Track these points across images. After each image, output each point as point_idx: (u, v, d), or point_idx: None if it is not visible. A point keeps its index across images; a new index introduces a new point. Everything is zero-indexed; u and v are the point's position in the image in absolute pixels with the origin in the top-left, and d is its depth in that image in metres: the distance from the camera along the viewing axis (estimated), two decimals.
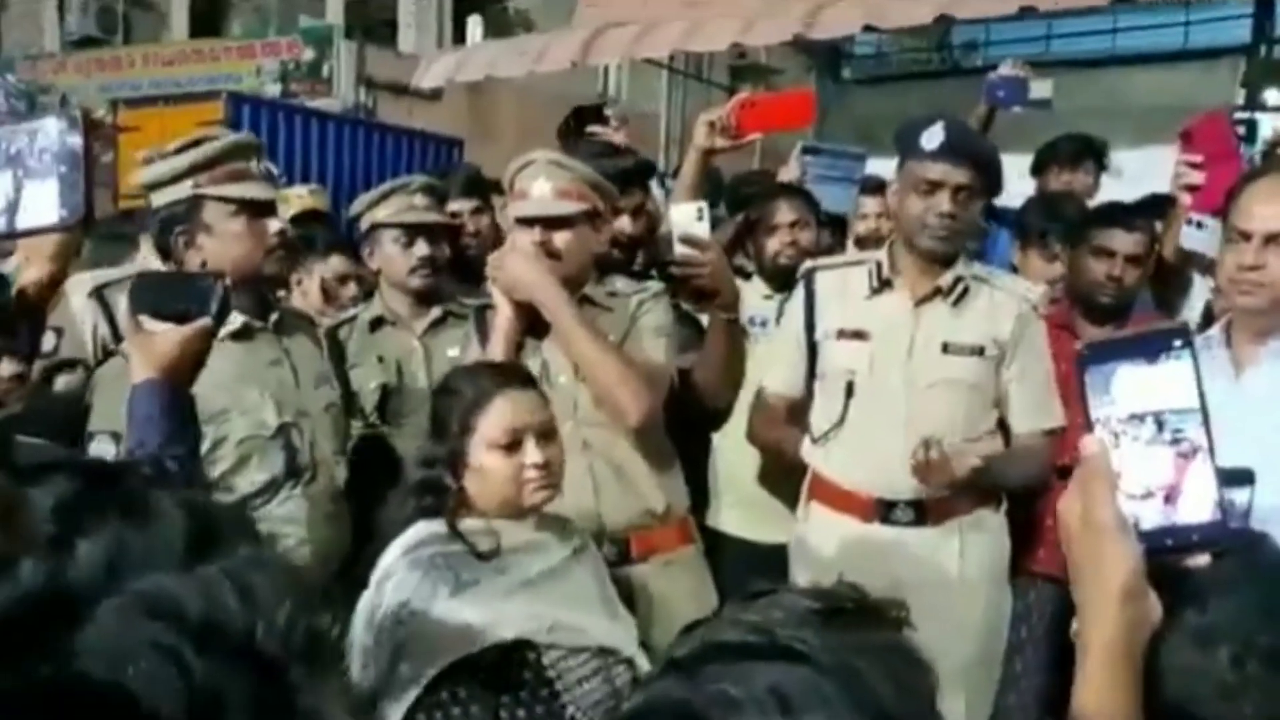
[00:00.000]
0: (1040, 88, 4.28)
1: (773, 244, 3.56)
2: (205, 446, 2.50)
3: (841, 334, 2.95)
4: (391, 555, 2.02)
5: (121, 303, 2.65)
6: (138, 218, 3.44)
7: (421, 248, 3.29)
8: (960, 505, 2.87)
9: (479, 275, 3.25)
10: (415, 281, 3.30)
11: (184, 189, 2.58)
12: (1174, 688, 1.04)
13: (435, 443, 2.18)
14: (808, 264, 3.12)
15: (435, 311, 3.33)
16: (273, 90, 10.57)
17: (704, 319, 3.04)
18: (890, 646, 0.88)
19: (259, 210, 2.62)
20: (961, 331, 2.88)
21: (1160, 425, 1.03)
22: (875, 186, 4.10)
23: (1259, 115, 3.34)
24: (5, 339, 2.31)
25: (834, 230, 3.86)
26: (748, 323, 3.28)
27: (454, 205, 3.66)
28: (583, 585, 2.16)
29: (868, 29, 6.20)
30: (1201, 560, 1.05)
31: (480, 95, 11.07)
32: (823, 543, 2.93)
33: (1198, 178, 2.99)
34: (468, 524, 2.11)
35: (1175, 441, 1.03)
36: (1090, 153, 4.66)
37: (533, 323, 2.71)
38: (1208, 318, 3.18)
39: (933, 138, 2.79)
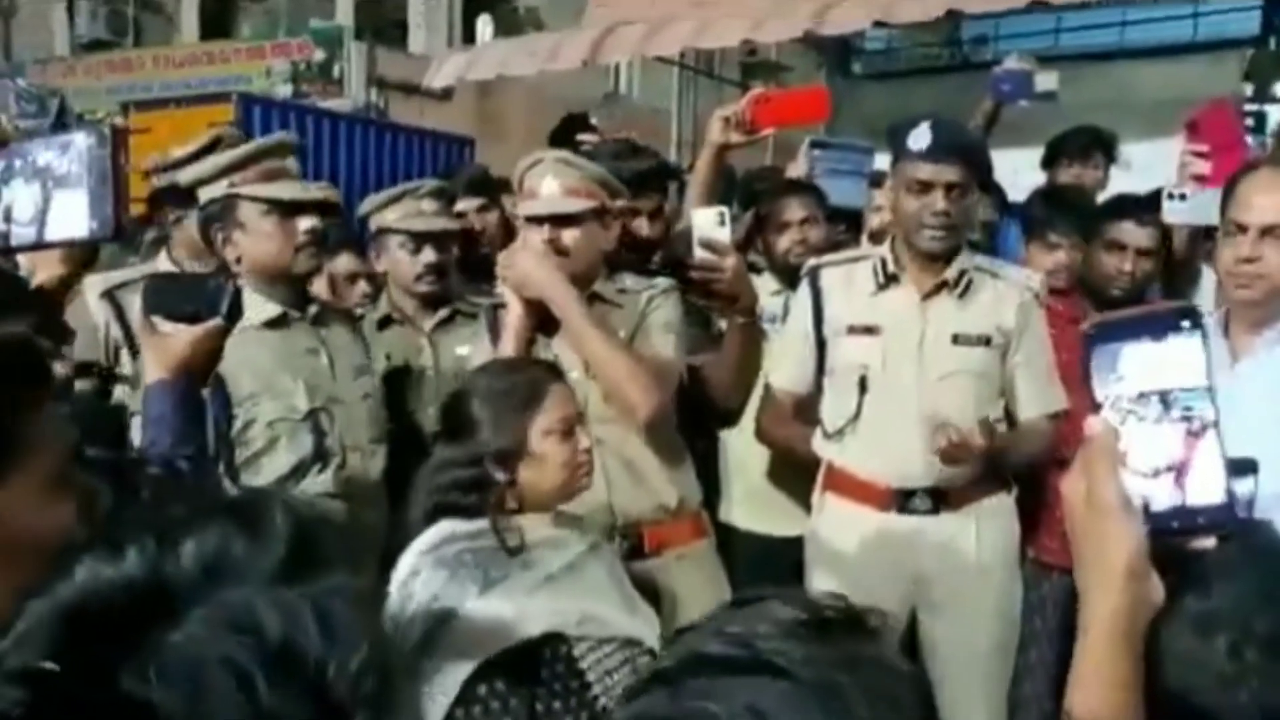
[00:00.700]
0: (1046, 80, 4.28)
1: (783, 241, 3.57)
2: (236, 428, 2.59)
3: (852, 330, 2.97)
4: (412, 555, 2.02)
5: (133, 304, 2.70)
6: (157, 221, 3.47)
7: (429, 254, 3.32)
8: (975, 492, 2.91)
9: (488, 274, 3.28)
10: (421, 287, 3.34)
11: (221, 187, 2.68)
12: (1173, 675, 1.04)
13: (471, 441, 2.16)
14: (811, 262, 3.14)
15: (443, 310, 3.36)
16: (284, 91, 10.59)
17: (722, 323, 3.07)
18: (874, 661, 0.86)
19: (291, 209, 2.69)
20: (969, 323, 2.91)
21: (1170, 403, 1.02)
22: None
23: (1268, 107, 3.34)
24: (54, 342, 2.34)
25: (848, 225, 3.86)
26: (767, 320, 3.30)
27: (460, 205, 3.70)
28: (601, 579, 2.18)
29: (877, 24, 6.18)
30: (1208, 543, 1.05)
31: (490, 95, 11.09)
32: (840, 534, 2.95)
33: (1204, 167, 3.00)
34: (498, 519, 2.11)
35: (1185, 419, 1.02)
36: (1099, 145, 4.65)
37: (543, 320, 2.75)
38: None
39: (920, 138, 2.83)
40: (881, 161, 4.29)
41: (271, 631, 0.66)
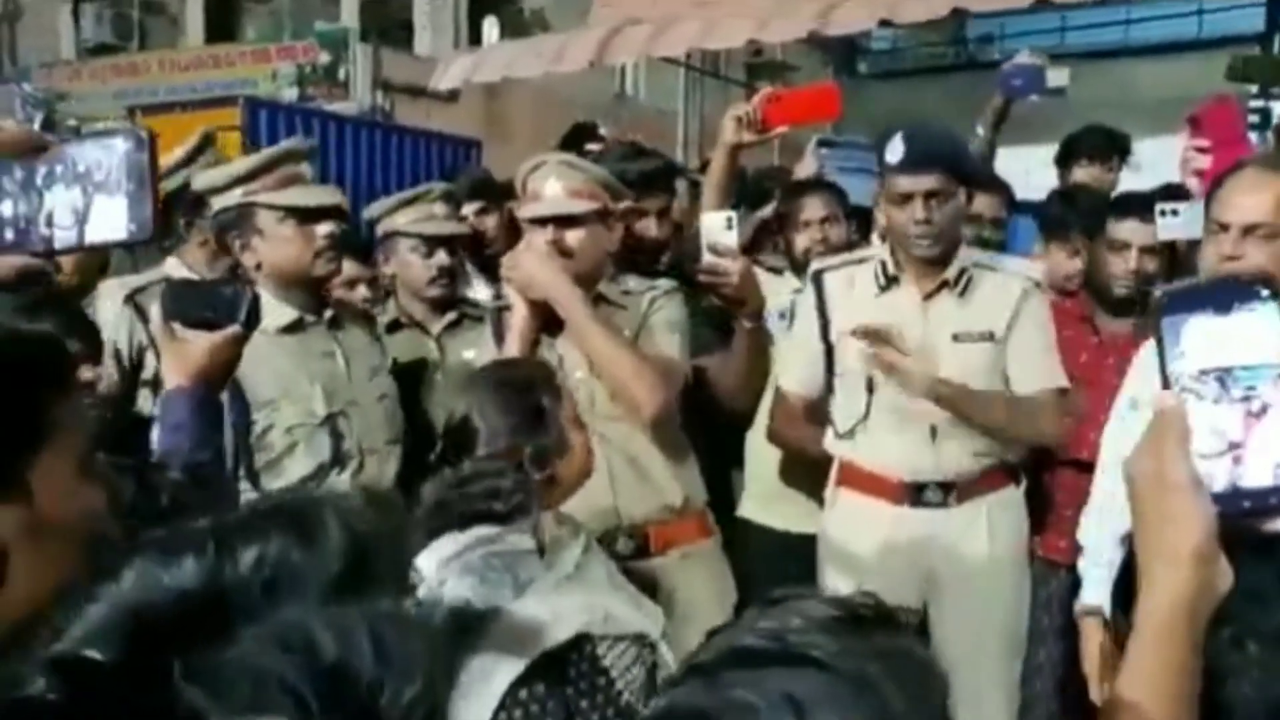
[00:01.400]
0: (1056, 76, 4.26)
1: (802, 240, 3.57)
2: (255, 433, 2.60)
3: (856, 333, 2.95)
4: (434, 566, 1.97)
5: (154, 308, 2.71)
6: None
7: (441, 258, 3.33)
8: (985, 484, 2.93)
9: (492, 275, 3.29)
10: (433, 291, 3.34)
11: (235, 195, 2.70)
12: None
13: (499, 447, 2.10)
14: (814, 265, 3.15)
15: (451, 314, 3.37)
16: (289, 94, 10.60)
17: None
18: (905, 653, 0.89)
19: (309, 215, 2.70)
20: (970, 320, 2.92)
21: (1230, 382, 0.99)
22: None
23: (1273, 104, 3.33)
24: (85, 345, 2.34)
25: (858, 223, 3.85)
26: (779, 317, 3.32)
27: (462, 209, 3.69)
28: (601, 577, 2.17)
29: (883, 24, 6.17)
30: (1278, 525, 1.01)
31: (496, 97, 11.10)
32: (853, 528, 2.96)
33: (1205, 162, 3.00)
34: (523, 523, 2.07)
35: (1245, 399, 0.98)
36: (1115, 147, 4.64)
37: (547, 321, 2.76)
38: None
39: (894, 150, 2.85)
40: None
41: (326, 652, 0.65)
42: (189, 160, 3.08)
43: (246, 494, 2.45)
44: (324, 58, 11.00)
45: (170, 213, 3.13)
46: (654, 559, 2.71)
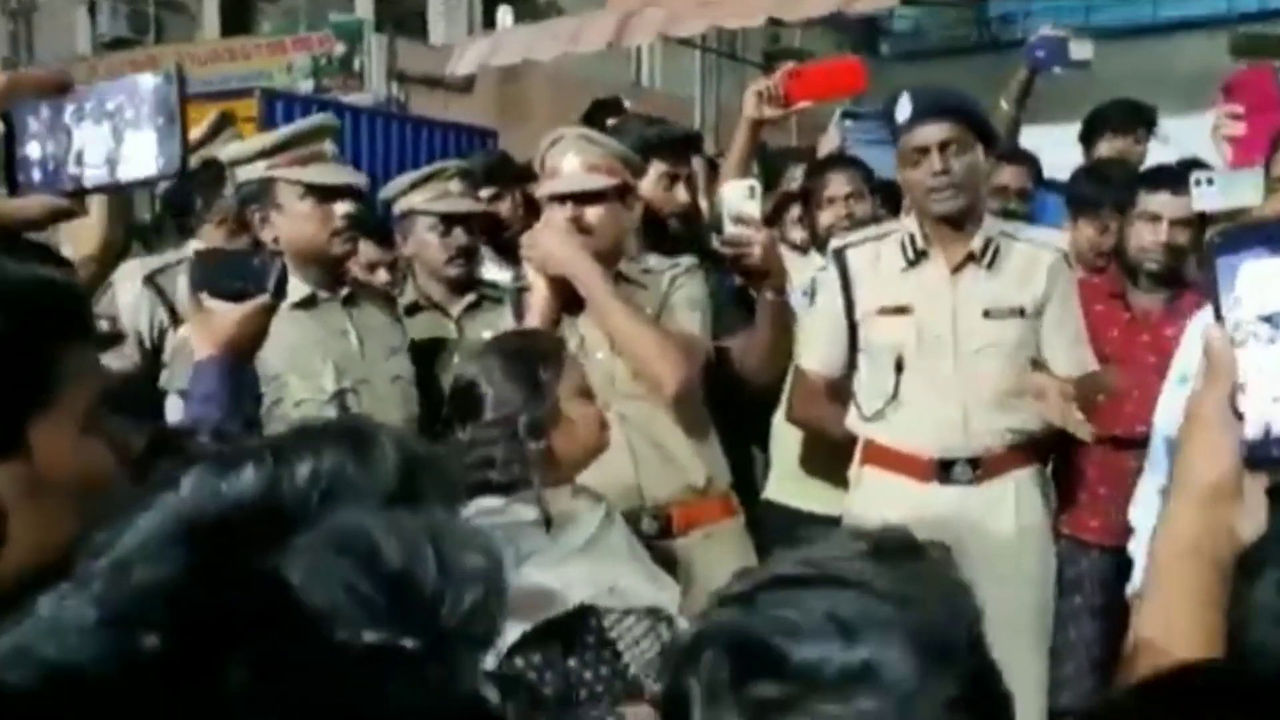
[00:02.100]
0: (1080, 49, 4.20)
1: (827, 217, 3.53)
2: (265, 406, 2.57)
3: (883, 310, 2.93)
4: None
5: (175, 287, 2.73)
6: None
7: (459, 237, 3.28)
8: (1011, 461, 2.89)
9: (508, 258, 3.24)
10: (452, 271, 3.29)
11: (259, 168, 2.72)
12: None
13: (498, 416, 2.12)
14: (835, 242, 3.10)
15: (470, 295, 3.32)
16: (305, 86, 10.56)
17: None
18: (937, 575, 0.91)
19: (328, 193, 2.70)
20: (1000, 295, 2.87)
21: None
22: None
23: None
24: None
25: (884, 197, 3.79)
26: (802, 295, 3.28)
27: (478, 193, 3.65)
28: (622, 549, 2.17)
29: (906, 2, 6.11)
30: None
31: (512, 83, 11.05)
32: (880, 506, 2.90)
33: (1238, 129, 2.93)
34: (526, 495, 2.08)
35: None
36: (1140, 119, 4.55)
37: (567, 300, 2.72)
38: None
39: (903, 109, 2.84)
40: None
41: (391, 559, 0.64)
42: (207, 139, 3.06)
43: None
44: (339, 49, 10.97)
45: (187, 194, 3.12)
46: (677, 539, 2.67)
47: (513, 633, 1.88)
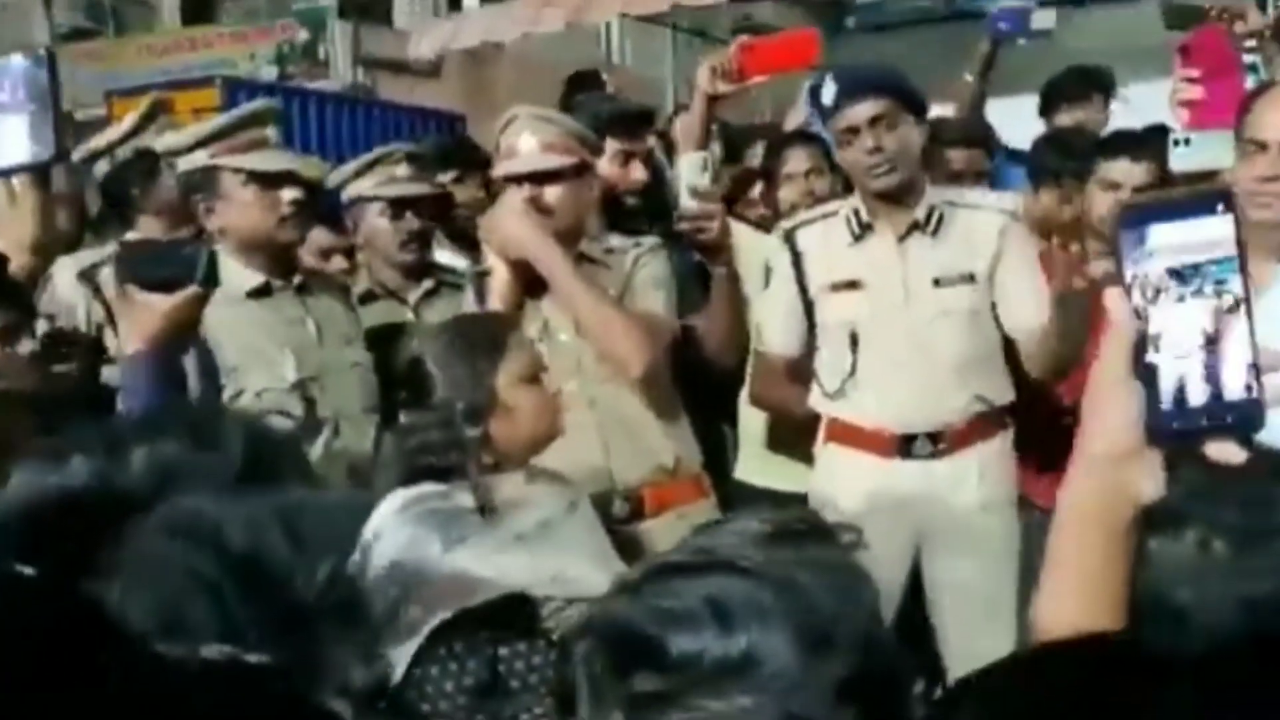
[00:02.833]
0: (1042, 18, 4.20)
1: (788, 194, 3.51)
2: (225, 398, 2.56)
3: (835, 287, 2.93)
4: (377, 519, 1.98)
5: (109, 281, 2.67)
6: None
7: (411, 221, 3.21)
8: (974, 433, 2.89)
9: (471, 244, 3.20)
10: (405, 256, 3.22)
11: (200, 158, 2.67)
12: (1145, 575, 0.97)
13: (437, 401, 2.13)
14: (785, 224, 3.09)
15: (428, 282, 3.26)
16: (269, 74, 10.49)
17: None
18: (834, 563, 0.89)
19: (272, 180, 2.67)
20: (949, 263, 2.87)
21: (1201, 276, 0.94)
22: None
23: None
24: (25, 317, 2.30)
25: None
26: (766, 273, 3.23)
27: (437, 179, 3.60)
28: (576, 538, 2.14)
29: None
30: (1232, 454, 0.92)
31: (479, 67, 11.00)
32: (843, 483, 2.92)
33: (1196, 93, 2.93)
34: (465, 481, 2.07)
35: (1216, 294, 0.93)
36: (1097, 85, 4.53)
37: (529, 282, 2.69)
38: None
39: (828, 92, 2.86)
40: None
41: (235, 542, 0.64)
42: (139, 128, 3.02)
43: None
44: (303, 36, 10.89)
45: (124, 184, 3.08)
46: (648, 521, 2.67)
47: (432, 621, 1.87)
